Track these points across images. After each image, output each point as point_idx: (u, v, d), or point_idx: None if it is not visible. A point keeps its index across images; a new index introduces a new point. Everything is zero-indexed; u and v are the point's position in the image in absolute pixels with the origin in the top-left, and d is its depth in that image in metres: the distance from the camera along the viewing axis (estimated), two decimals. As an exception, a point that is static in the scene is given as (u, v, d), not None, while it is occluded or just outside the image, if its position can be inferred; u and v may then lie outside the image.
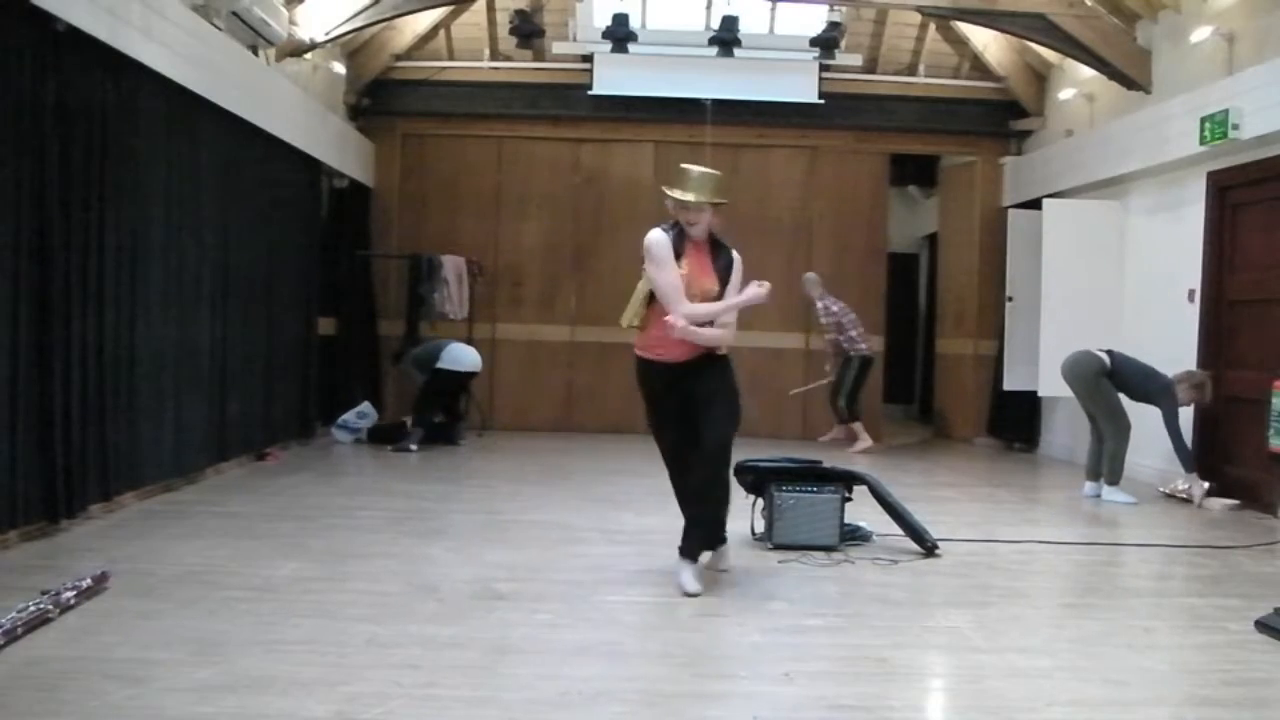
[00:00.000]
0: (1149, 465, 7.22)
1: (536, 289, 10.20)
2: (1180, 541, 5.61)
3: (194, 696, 2.88)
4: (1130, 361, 6.87)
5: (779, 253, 9.96)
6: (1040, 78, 9.75)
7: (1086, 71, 8.49)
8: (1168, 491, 6.88)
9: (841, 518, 4.99)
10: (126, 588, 3.91)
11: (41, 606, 3.43)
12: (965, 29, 9.50)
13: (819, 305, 9.38)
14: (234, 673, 3.07)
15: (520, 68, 10.03)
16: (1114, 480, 6.80)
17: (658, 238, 4.23)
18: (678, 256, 4.22)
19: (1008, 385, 9.38)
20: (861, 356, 9.33)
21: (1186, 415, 6.98)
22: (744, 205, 10.20)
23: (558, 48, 9.85)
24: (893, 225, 11.21)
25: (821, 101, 9.86)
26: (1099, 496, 6.83)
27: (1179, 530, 5.95)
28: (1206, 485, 6.69)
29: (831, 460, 5.62)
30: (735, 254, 4.38)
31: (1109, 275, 8.25)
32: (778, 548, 4.90)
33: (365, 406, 8.90)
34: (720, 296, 4.28)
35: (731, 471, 4.96)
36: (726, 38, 9.30)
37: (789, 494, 4.95)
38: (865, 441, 9.28)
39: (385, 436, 8.61)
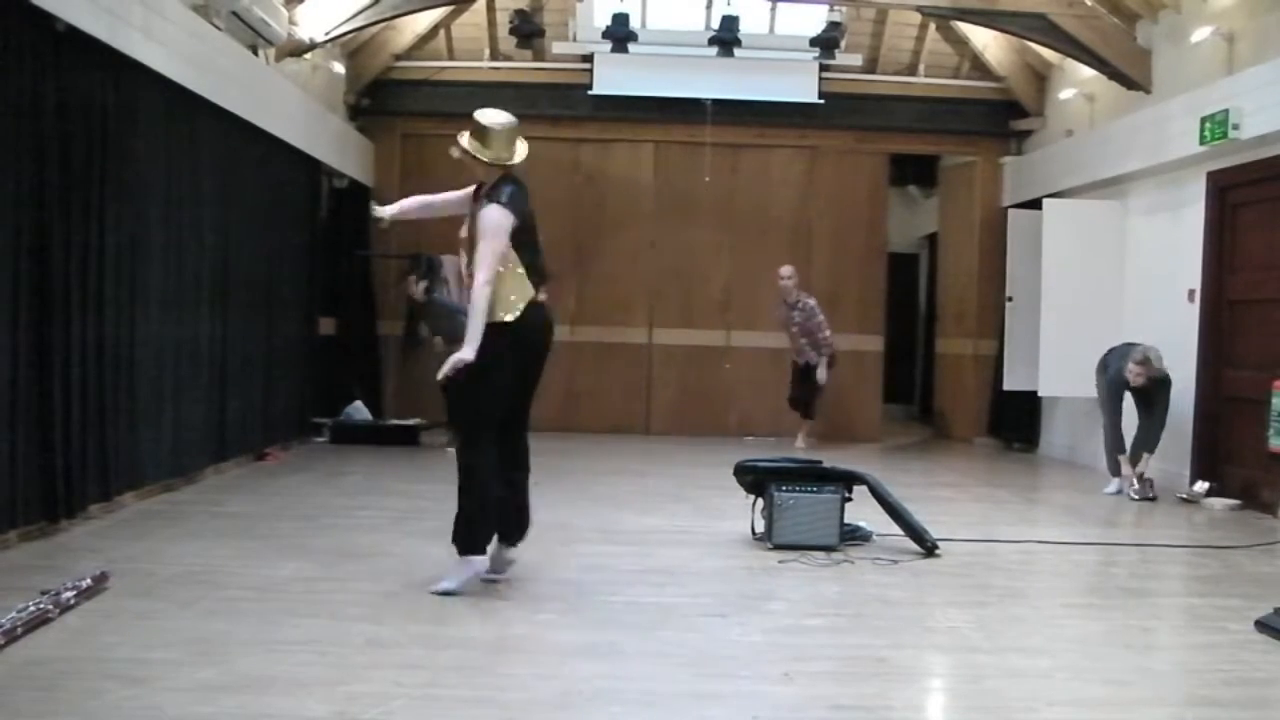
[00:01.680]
0: (1155, 467, 7.19)
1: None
2: (1180, 541, 5.62)
3: (194, 696, 2.88)
4: (1112, 350, 7.11)
5: (779, 253, 9.95)
6: (1040, 78, 9.75)
7: (1086, 71, 8.48)
8: (1185, 496, 6.85)
9: (841, 518, 4.98)
10: (126, 588, 3.91)
11: (41, 606, 3.43)
12: (965, 29, 9.50)
13: (803, 303, 9.10)
14: (234, 673, 3.07)
15: (520, 68, 10.02)
16: (1110, 469, 7.02)
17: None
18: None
19: (1008, 385, 9.38)
20: (830, 354, 9.19)
21: (1185, 413, 7.02)
22: (744, 205, 10.24)
23: (558, 48, 9.84)
24: (893, 225, 11.21)
25: (821, 101, 9.85)
26: (1120, 492, 6.96)
27: (1179, 530, 5.95)
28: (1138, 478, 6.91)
29: (831, 460, 5.62)
30: (489, 208, 4.03)
31: (1109, 275, 8.24)
32: (778, 548, 4.90)
33: (353, 406, 8.90)
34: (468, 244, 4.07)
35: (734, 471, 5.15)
36: (726, 38, 9.29)
37: (789, 494, 4.95)
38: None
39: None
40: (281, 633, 3.48)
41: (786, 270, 9.20)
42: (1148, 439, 6.89)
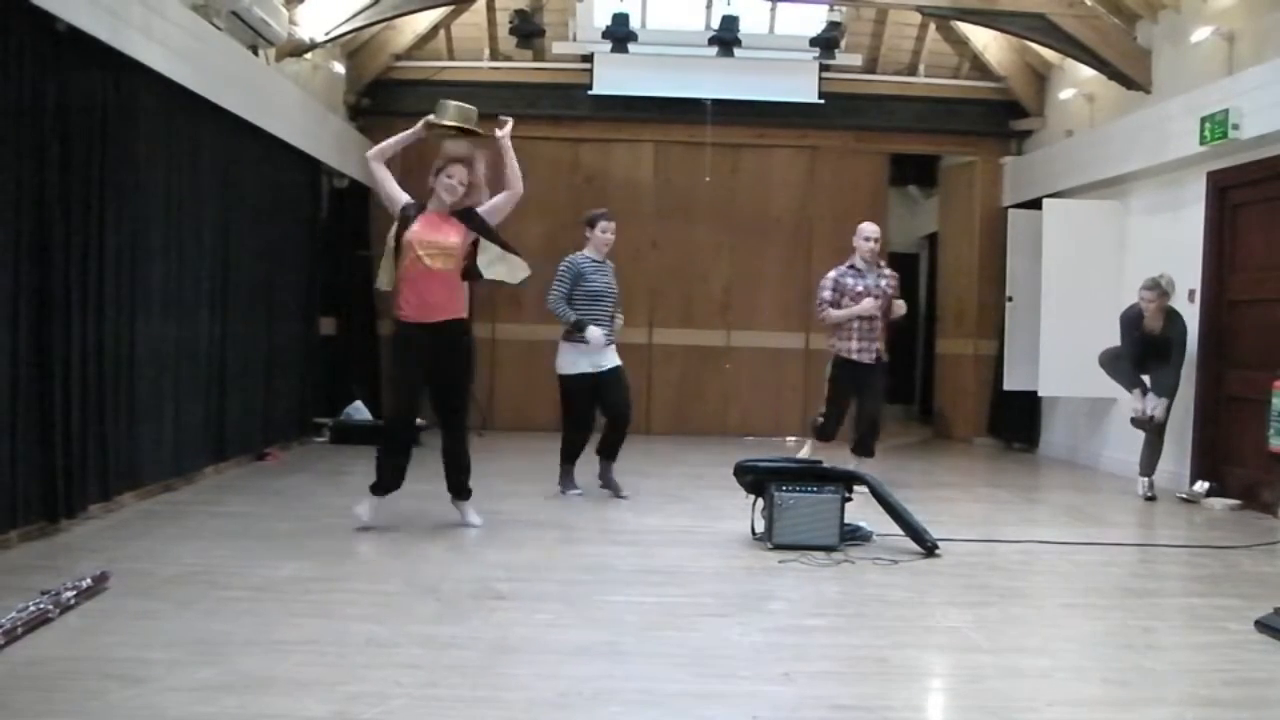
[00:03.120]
0: (1158, 467, 7.18)
1: (536, 289, 10.15)
2: (1180, 541, 5.62)
3: (194, 696, 2.88)
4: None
5: (779, 253, 9.97)
6: (1040, 78, 9.75)
7: (1086, 71, 8.48)
8: (1185, 496, 6.85)
9: (841, 518, 4.98)
10: (126, 588, 3.91)
11: (41, 606, 3.43)
12: (965, 29, 9.50)
13: (889, 270, 7.01)
14: (234, 673, 3.07)
15: (520, 68, 10.02)
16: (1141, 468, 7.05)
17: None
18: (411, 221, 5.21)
19: (1008, 385, 9.38)
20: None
21: (1185, 413, 7.02)
22: (744, 205, 10.24)
23: (558, 48, 9.84)
24: (893, 225, 11.19)
25: (821, 101, 9.85)
26: (1153, 498, 6.91)
27: (1179, 530, 5.95)
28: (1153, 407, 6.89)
29: (831, 460, 5.62)
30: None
31: (1109, 275, 8.24)
32: (778, 548, 4.89)
33: (353, 406, 8.91)
34: (468, 248, 5.19)
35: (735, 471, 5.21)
36: (726, 38, 9.30)
37: (789, 494, 4.94)
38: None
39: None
40: (281, 633, 3.48)
41: (875, 230, 6.88)
42: (1158, 383, 6.90)
